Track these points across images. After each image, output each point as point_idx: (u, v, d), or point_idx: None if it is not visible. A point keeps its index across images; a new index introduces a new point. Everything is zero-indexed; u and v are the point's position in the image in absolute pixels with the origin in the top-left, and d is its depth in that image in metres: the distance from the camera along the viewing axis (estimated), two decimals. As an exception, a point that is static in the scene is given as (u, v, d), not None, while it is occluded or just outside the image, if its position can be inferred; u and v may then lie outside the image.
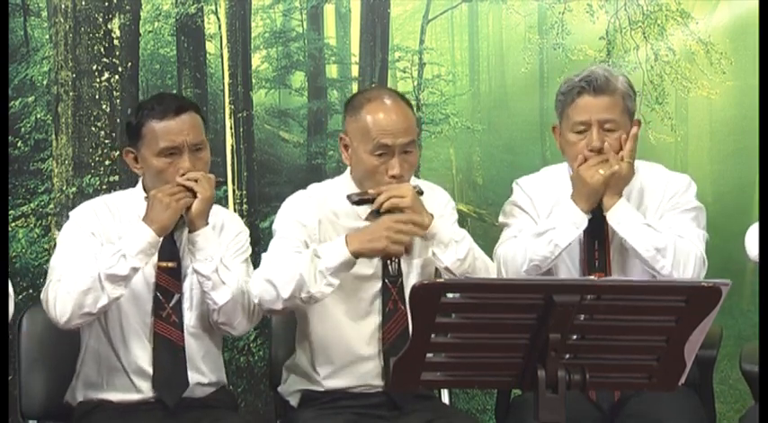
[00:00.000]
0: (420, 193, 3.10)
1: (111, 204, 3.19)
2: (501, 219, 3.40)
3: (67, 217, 3.21)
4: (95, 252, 3.04)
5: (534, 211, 3.32)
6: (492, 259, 3.28)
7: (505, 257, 3.23)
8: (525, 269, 3.19)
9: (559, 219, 3.19)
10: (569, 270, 3.28)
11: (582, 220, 3.18)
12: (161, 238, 3.03)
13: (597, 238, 3.24)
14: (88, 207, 3.19)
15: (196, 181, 3.04)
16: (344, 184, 3.20)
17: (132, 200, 3.18)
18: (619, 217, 3.18)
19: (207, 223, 3.07)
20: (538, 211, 3.31)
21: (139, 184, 3.20)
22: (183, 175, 3.06)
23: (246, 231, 3.29)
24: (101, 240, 3.09)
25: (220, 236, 3.17)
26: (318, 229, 3.11)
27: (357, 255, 2.95)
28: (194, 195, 3.04)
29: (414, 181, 3.18)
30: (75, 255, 3.06)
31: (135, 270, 2.99)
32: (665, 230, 3.18)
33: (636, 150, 3.25)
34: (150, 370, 3.11)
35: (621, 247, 3.25)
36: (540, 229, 3.20)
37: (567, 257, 3.28)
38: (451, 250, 3.08)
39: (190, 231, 3.07)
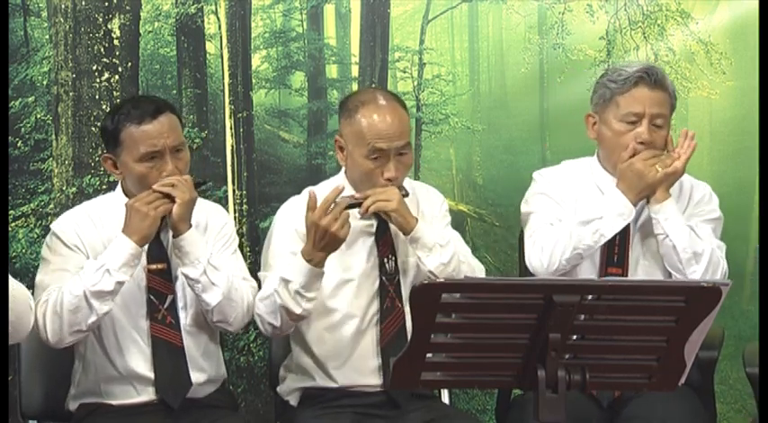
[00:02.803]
0: (405, 195, 3.10)
1: (93, 213, 3.15)
2: (524, 208, 3.38)
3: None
4: (81, 266, 3.01)
5: (563, 198, 3.32)
6: (522, 248, 3.29)
7: (544, 244, 3.22)
8: (567, 257, 3.19)
9: (606, 208, 3.19)
10: (591, 261, 3.27)
11: (630, 212, 3.19)
12: (144, 248, 3.01)
13: (620, 234, 3.23)
14: (68, 219, 3.15)
15: (173, 185, 3.00)
16: (340, 183, 3.19)
17: (114, 205, 3.13)
18: (667, 213, 3.19)
19: (190, 226, 3.04)
20: (565, 200, 3.31)
21: (119, 188, 3.17)
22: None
23: (231, 222, 3.28)
24: (85, 252, 3.06)
25: (205, 232, 3.15)
26: None
27: (313, 262, 2.95)
28: (172, 200, 3.00)
29: (407, 182, 3.19)
30: (61, 272, 3.04)
31: (120, 284, 2.96)
32: (706, 238, 3.20)
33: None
34: (150, 374, 3.09)
35: (640, 246, 3.27)
36: (585, 217, 3.20)
37: None
38: (435, 254, 3.09)
39: (174, 236, 3.04)
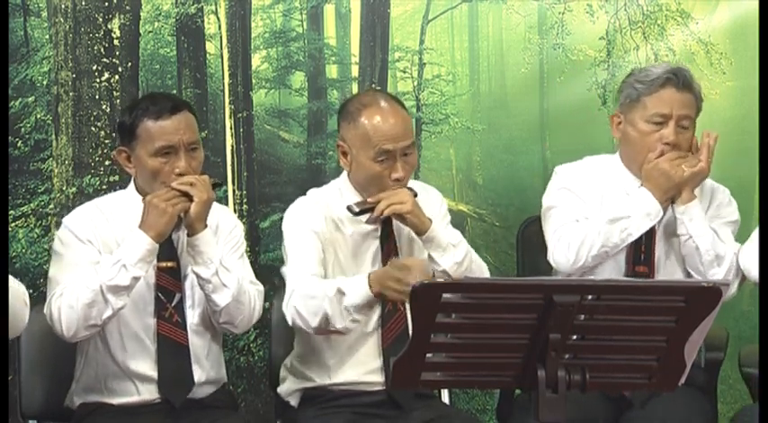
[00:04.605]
0: (415, 195, 3.10)
1: (105, 208, 3.15)
2: (546, 202, 3.37)
3: (60, 223, 3.17)
4: (94, 260, 3.02)
5: (585, 194, 3.31)
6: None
7: (571, 240, 3.21)
8: (594, 254, 3.20)
9: (634, 208, 3.19)
10: (615, 259, 3.27)
11: (657, 212, 3.20)
12: (159, 245, 3.01)
13: (646, 232, 3.24)
14: (81, 213, 3.15)
15: (191, 184, 3.02)
16: (343, 187, 3.19)
17: (126, 202, 3.15)
18: (692, 214, 3.20)
19: (206, 226, 3.05)
20: (589, 197, 3.30)
21: (131, 185, 3.18)
22: (180, 174, 3.03)
23: (240, 225, 3.29)
24: (98, 247, 3.06)
25: (216, 234, 3.15)
26: (326, 231, 3.11)
27: (378, 296, 2.93)
28: (190, 199, 3.01)
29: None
30: (74, 266, 3.04)
31: (136, 279, 2.97)
32: (728, 242, 3.21)
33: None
34: (153, 373, 3.10)
35: (663, 245, 3.27)
36: (613, 215, 3.20)
37: None
38: (449, 254, 3.09)
39: (189, 235, 3.05)
